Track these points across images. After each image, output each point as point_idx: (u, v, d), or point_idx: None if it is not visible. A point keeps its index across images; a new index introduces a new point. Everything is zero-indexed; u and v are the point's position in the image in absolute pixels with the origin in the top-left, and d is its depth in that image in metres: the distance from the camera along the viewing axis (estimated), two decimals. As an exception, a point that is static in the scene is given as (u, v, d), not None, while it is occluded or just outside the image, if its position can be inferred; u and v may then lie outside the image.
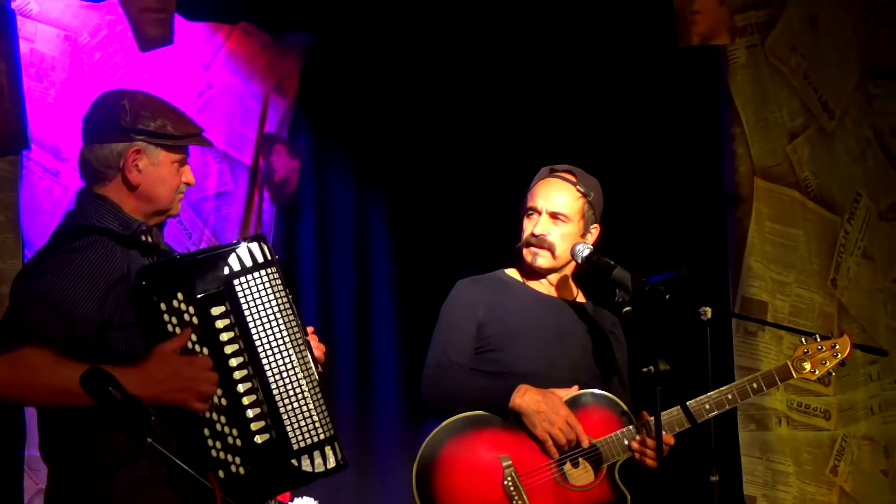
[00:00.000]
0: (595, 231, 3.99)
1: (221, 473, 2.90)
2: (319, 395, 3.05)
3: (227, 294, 2.98)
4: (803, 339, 4.05)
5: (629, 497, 3.79)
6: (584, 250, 3.89)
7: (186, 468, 2.57)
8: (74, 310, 2.89)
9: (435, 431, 3.78)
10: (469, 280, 4.02)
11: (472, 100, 5.45)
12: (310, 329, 3.20)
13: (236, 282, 2.99)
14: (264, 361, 2.98)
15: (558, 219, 3.92)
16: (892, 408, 5.50)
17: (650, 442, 3.77)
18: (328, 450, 3.03)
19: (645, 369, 3.57)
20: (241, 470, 2.92)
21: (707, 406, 3.86)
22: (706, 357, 3.86)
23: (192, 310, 2.94)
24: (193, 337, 2.93)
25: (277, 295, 3.03)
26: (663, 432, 3.69)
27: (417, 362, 3.96)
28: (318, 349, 3.21)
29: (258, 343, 2.98)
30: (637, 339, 3.68)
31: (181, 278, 2.96)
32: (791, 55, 5.45)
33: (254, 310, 2.99)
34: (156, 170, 3.11)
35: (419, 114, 5.47)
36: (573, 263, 3.98)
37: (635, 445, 3.80)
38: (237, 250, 3.02)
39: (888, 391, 5.50)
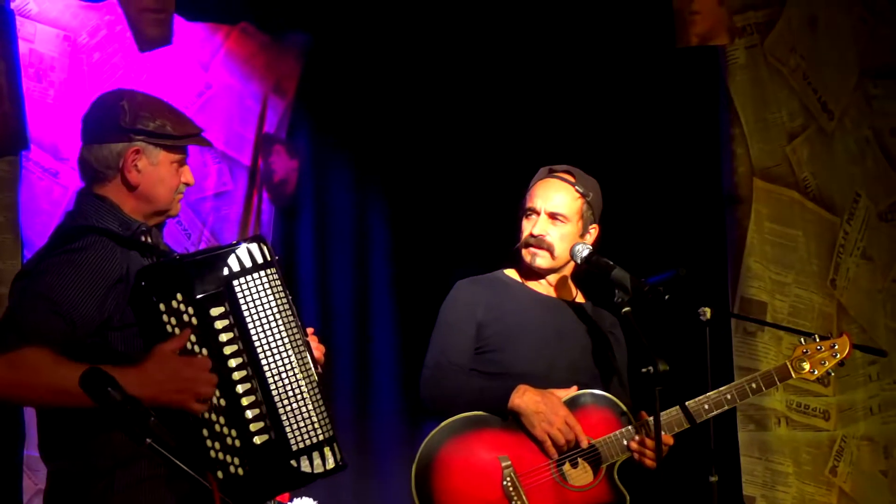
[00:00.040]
0: (594, 231, 3.99)
1: (220, 474, 2.90)
2: (318, 396, 3.05)
3: (226, 295, 2.98)
4: (802, 340, 4.05)
5: (628, 497, 3.79)
6: (584, 251, 3.90)
7: (185, 469, 2.57)
8: (74, 310, 2.89)
9: (434, 432, 3.78)
10: (468, 280, 4.02)
11: (471, 100, 5.45)
12: (309, 330, 3.20)
13: (236, 282, 2.99)
14: (263, 362, 2.98)
15: (557, 219, 3.92)
16: (891, 408, 5.50)
17: (649, 442, 3.77)
18: (327, 450, 3.03)
19: (644, 370, 3.57)
20: (240, 471, 2.92)
21: (706, 406, 3.86)
22: (705, 357, 3.86)
23: (191, 310, 2.94)
24: (192, 337, 2.94)
25: (277, 296, 3.03)
26: (662, 432, 3.69)
27: (416, 363, 3.96)
28: (318, 350, 3.21)
29: (257, 344, 2.98)
30: (636, 339, 3.68)
31: (180, 279, 2.96)
32: (790, 56, 5.45)
33: (253, 310, 2.99)
34: (155, 170, 3.11)
35: (419, 114, 5.47)
36: (572, 264, 3.98)
37: (634, 446, 3.80)
38: (237, 251, 3.02)
39: (887, 391, 5.50)
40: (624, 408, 3.86)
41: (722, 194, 5.37)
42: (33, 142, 4.57)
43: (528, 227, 3.94)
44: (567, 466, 3.79)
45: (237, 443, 2.93)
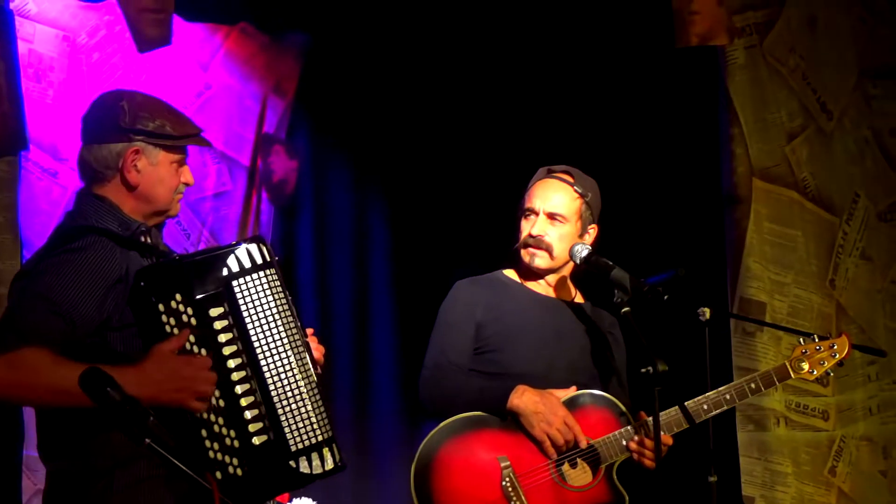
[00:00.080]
0: (593, 231, 4.00)
1: (219, 474, 2.90)
2: (318, 397, 3.05)
3: (225, 295, 2.98)
4: (801, 340, 4.05)
5: (627, 497, 3.79)
6: (583, 251, 3.90)
7: (185, 469, 2.57)
8: (73, 310, 2.89)
9: (433, 432, 3.78)
10: (467, 281, 4.02)
11: (470, 100, 5.45)
12: (309, 330, 3.20)
13: (235, 283, 2.99)
14: (263, 363, 2.98)
15: (556, 219, 3.92)
16: (890, 408, 5.50)
17: (648, 442, 3.77)
18: (326, 451, 3.03)
19: (643, 370, 3.57)
20: (239, 471, 2.92)
21: (705, 406, 3.86)
22: (704, 357, 3.86)
23: (190, 311, 2.94)
24: (192, 338, 2.94)
25: (276, 296, 3.03)
26: (662, 432, 3.69)
27: (416, 363, 3.96)
28: (318, 350, 3.21)
29: (256, 344, 2.98)
30: (636, 339, 3.68)
31: (180, 279, 2.96)
32: (790, 56, 5.45)
33: (252, 311, 2.99)
34: (154, 170, 3.11)
35: (418, 115, 5.47)
36: (571, 264, 3.98)
37: (633, 446, 3.80)
38: (236, 251, 3.02)
39: (887, 392, 5.50)
40: (623, 408, 3.86)
41: (721, 194, 5.37)
42: (32, 142, 4.57)
43: (527, 227, 3.94)
44: (566, 467, 3.79)
45: (236, 443, 2.93)
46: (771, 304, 5.33)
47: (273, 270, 3.05)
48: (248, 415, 2.95)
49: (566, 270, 4.02)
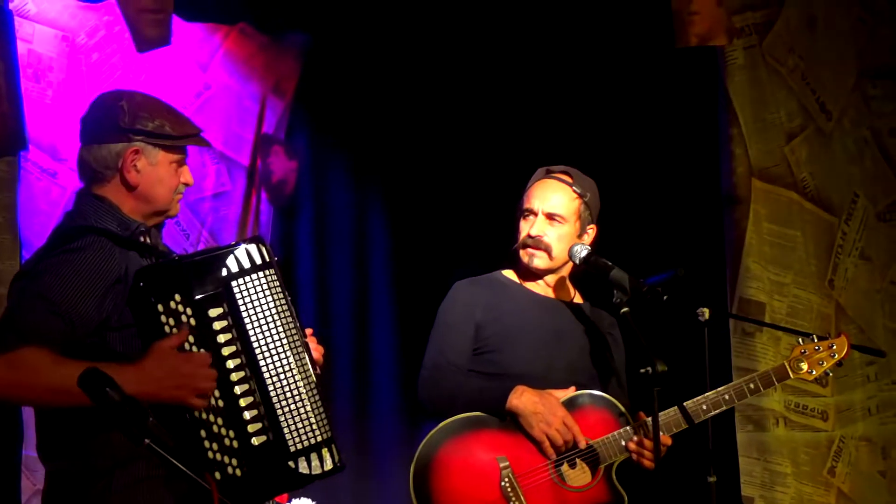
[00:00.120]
0: (592, 232, 3.99)
1: (218, 475, 2.90)
2: (317, 397, 3.05)
3: (224, 296, 2.98)
4: (800, 340, 4.05)
5: (626, 498, 3.79)
6: (582, 251, 3.90)
7: (184, 469, 2.57)
8: (73, 310, 2.89)
9: (432, 433, 3.78)
10: (466, 281, 4.02)
11: (470, 101, 5.46)
12: (308, 331, 3.20)
13: (234, 283, 2.99)
14: (262, 363, 2.98)
15: (555, 220, 3.92)
16: (889, 409, 5.50)
17: (647, 443, 3.77)
18: (325, 452, 3.03)
19: (643, 370, 3.57)
20: (238, 471, 2.92)
21: (704, 406, 3.86)
22: (704, 358, 3.86)
23: (189, 311, 2.94)
24: (191, 338, 2.94)
25: (275, 297, 3.03)
26: (661, 433, 3.69)
27: (415, 364, 3.96)
28: (317, 351, 3.21)
29: (256, 345, 2.98)
30: (635, 339, 3.68)
31: (179, 280, 2.96)
32: (789, 56, 5.45)
33: (252, 311, 2.99)
34: (154, 170, 3.11)
35: (417, 115, 5.47)
36: (570, 264, 3.98)
37: (633, 446, 3.80)
38: (235, 252, 3.02)
39: (886, 392, 5.50)
40: (622, 408, 3.86)
41: (720, 194, 5.37)
42: (32, 142, 4.57)
43: (526, 227, 3.94)
44: (565, 467, 3.79)
45: (235, 444, 2.93)
46: (770, 304, 5.34)
47: (272, 271, 3.05)
48: (247, 415, 2.95)
49: (565, 271, 4.01)
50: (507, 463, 3.74)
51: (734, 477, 5.21)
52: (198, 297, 2.95)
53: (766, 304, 5.33)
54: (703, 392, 3.88)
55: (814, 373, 4.00)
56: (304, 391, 3.02)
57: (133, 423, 2.57)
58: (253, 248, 3.04)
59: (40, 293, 2.90)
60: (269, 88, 5.37)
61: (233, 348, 2.96)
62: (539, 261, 3.93)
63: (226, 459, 2.92)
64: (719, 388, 3.90)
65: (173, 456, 2.57)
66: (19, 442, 4.41)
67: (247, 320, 2.98)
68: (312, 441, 3.00)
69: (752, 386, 3.92)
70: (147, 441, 2.56)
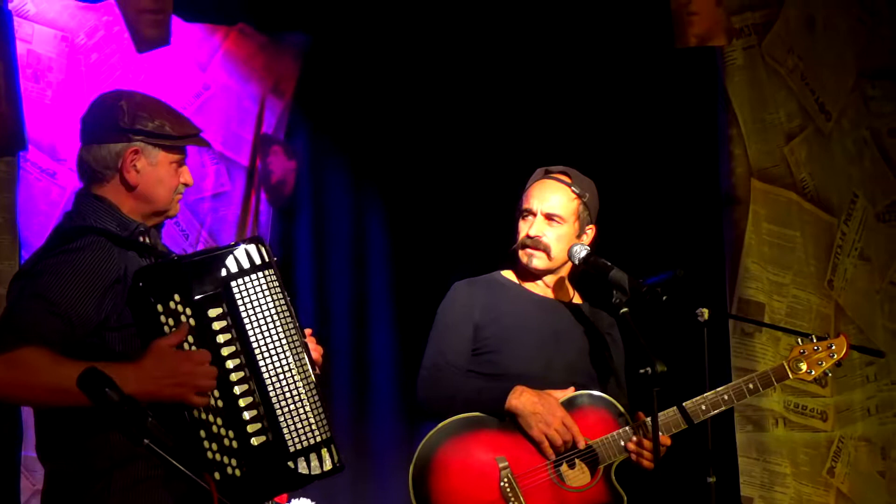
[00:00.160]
0: (591, 232, 4.00)
1: (217, 475, 2.89)
2: (316, 398, 3.04)
3: (224, 296, 2.98)
4: (799, 340, 4.05)
5: (626, 498, 3.79)
6: (582, 251, 3.90)
7: (183, 469, 2.57)
8: (72, 310, 2.89)
9: (431, 433, 3.78)
10: (465, 282, 4.02)
11: (469, 101, 5.46)
12: (307, 331, 3.20)
13: (234, 284, 2.99)
14: (261, 363, 2.98)
15: (553, 220, 3.92)
16: (889, 409, 5.50)
17: (647, 443, 3.77)
18: (325, 452, 3.02)
19: (642, 370, 3.57)
20: (238, 472, 2.92)
21: (703, 407, 3.87)
22: (703, 358, 3.86)
23: (189, 311, 2.94)
24: (190, 338, 2.93)
25: (275, 297, 3.03)
26: (660, 433, 3.69)
27: (414, 364, 3.96)
28: (316, 351, 3.21)
29: (255, 345, 2.98)
30: (634, 340, 3.68)
31: (178, 280, 2.96)
32: (788, 56, 5.45)
33: (251, 312, 2.99)
34: (154, 170, 3.11)
35: (416, 115, 5.47)
36: (569, 265, 3.98)
37: (632, 447, 3.80)
38: (235, 252, 3.02)
39: (885, 392, 5.50)
40: (621, 408, 3.86)
41: (720, 195, 5.37)
42: (31, 142, 4.57)
43: (525, 228, 3.94)
44: (564, 467, 3.79)
45: (235, 444, 2.93)
46: (769, 304, 5.34)
47: (272, 271, 3.05)
48: (246, 415, 2.95)
49: (564, 271, 4.02)
50: (507, 463, 3.74)
51: (733, 477, 5.21)
52: (197, 297, 2.94)
53: (765, 304, 5.32)
54: (703, 392, 3.88)
55: (813, 373, 4.01)
56: (304, 391, 3.02)
57: (132, 423, 2.57)
58: (252, 248, 3.04)
59: (39, 293, 2.89)
60: (269, 89, 5.37)
61: (232, 348, 2.96)
62: (538, 261, 3.93)
63: (225, 459, 2.92)
64: (718, 389, 3.90)
65: (172, 456, 2.57)
66: (19, 442, 4.41)
67: (246, 320, 2.98)
68: (312, 441, 3.00)
69: (751, 386, 3.92)
70: (146, 441, 2.56)
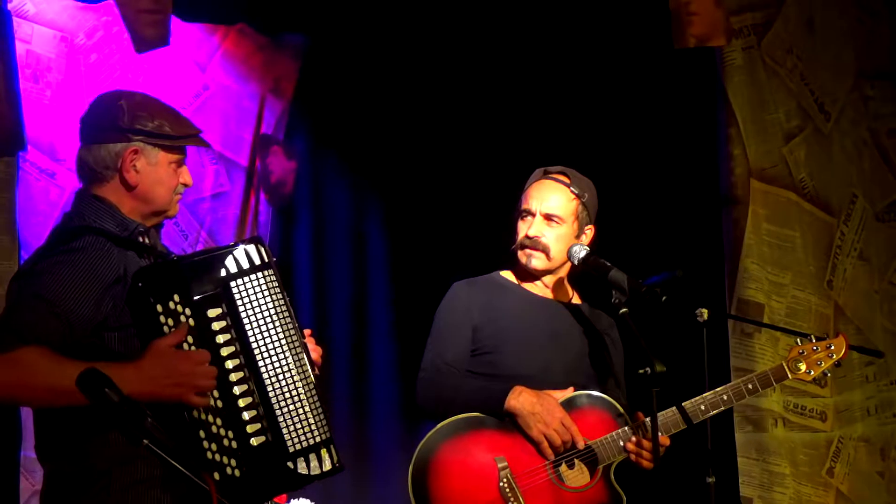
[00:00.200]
0: (590, 232, 4.00)
1: (217, 475, 2.90)
2: (316, 398, 3.04)
3: (223, 296, 2.98)
4: (798, 340, 4.05)
5: (625, 498, 3.79)
6: (581, 252, 3.90)
7: (182, 469, 2.57)
8: (71, 310, 2.89)
9: (431, 433, 3.78)
10: (464, 282, 4.02)
11: (468, 101, 5.46)
12: (307, 332, 3.20)
13: (233, 284, 2.99)
14: (261, 364, 2.98)
15: (552, 220, 3.92)
16: (888, 409, 5.50)
17: (646, 443, 3.77)
18: (324, 452, 3.02)
19: (641, 371, 3.57)
20: (237, 472, 2.92)
21: (703, 407, 3.87)
22: (702, 358, 3.86)
23: (188, 311, 2.94)
24: (189, 339, 2.94)
25: (274, 297, 3.03)
26: (659, 433, 3.69)
27: (413, 364, 3.96)
28: (315, 351, 3.21)
29: (255, 345, 2.98)
30: (633, 340, 3.68)
31: (178, 280, 2.96)
32: (787, 57, 5.45)
33: (250, 312, 2.99)
34: (153, 170, 3.10)
35: (416, 116, 5.47)
36: (568, 265, 3.98)
37: (631, 447, 3.80)
38: (234, 252, 3.02)
39: (884, 392, 5.50)
40: (621, 409, 3.86)
41: (719, 195, 5.37)
42: (30, 143, 4.57)
43: (524, 228, 3.94)
44: (564, 467, 3.79)
45: (234, 444, 2.93)
46: (769, 304, 5.34)
47: (271, 271, 3.05)
48: (245, 416, 2.95)
49: (563, 271, 4.02)
50: (506, 463, 3.74)
51: (733, 477, 5.21)
52: (196, 297, 2.95)
53: (764, 304, 5.33)
54: (702, 392, 3.88)
55: (812, 373, 4.01)
56: (303, 392, 3.02)
57: (131, 423, 2.57)
58: (252, 248, 3.04)
59: (39, 293, 2.89)
60: (268, 89, 5.37)
61: (232, 349, 2.96)
62: (537, 261, 3.93)
63: (224, 460, 2.92)
64: (718, 389, 3.90)
65: (172, 456, 2.57)
66: (18, 443, 4.41)
67: (245, 321, 2.98)
68: (311, 442, 3.00)
69: (750, 386, 3.92)
70: (145, 441, 2.56)
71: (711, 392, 3.88)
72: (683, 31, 4.94)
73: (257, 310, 3.00)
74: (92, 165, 3.09)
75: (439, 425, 3.78)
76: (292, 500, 4.44)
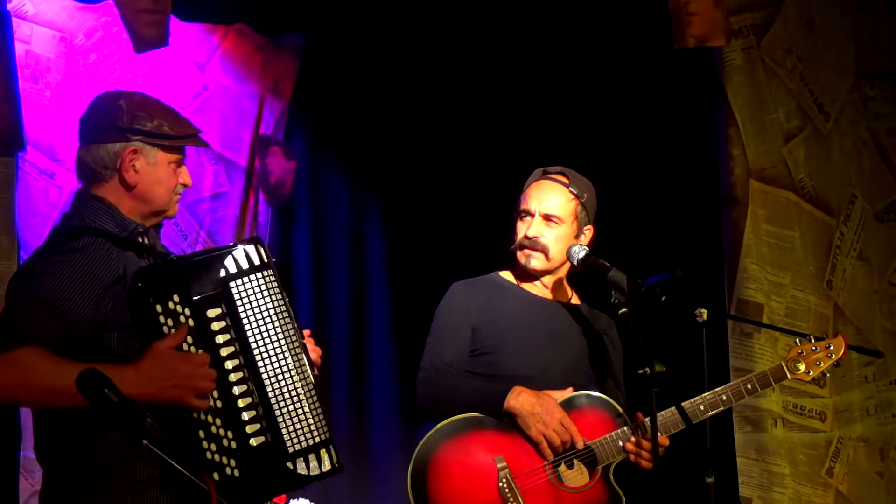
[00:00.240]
0: (589, 232, 3.99)
1: (216, 476, 2.90)
2: (315, 398, 3.04)
3: (223, 296, 2.98)
4: (798, 341, 4.05)
5: (624, 498, 3.79)
6: (581, 252, 3.90)
7: (182, 470, 2.57)
8: (70, 311, 2.89)
9: (430, 434, 3.78)
10: (463, 283, 4.02)
11: (468, 101, 5.46)
12: (306, 332, 3.20)
13: (232, 284, 2.99)
14: (260, 364, 2.98)
15: (551, 221, 3.92)
16: (887, 409, 5.50)
17: (645, 443, 3.77)
18: (323, 453, 3.02)
19: (641, 371, 3.57)
20: (237, 472, 2.92)
21: (702, 407, 3.87)
22: (702, 359, 3.86)
23: (188, 312, 2.94)
24: (189, 339, 2.93)
25: (274, 297, 3.03)
26: (658, 433, 3.69)
27: (413, 365, 3.96)
28: (315, 352, 3.21)
29: (254, 346, 2.98)
30: (633, 340, 3.68)
31: (177, 280, 2.96)
32: (787, 57, 5.45)
33: (250, 312, 2.99)
34: (153, 170, 3.10)
35: (415, 116, 5.47)
36: (567, 265, 3.98)
37: (630, 447, 3.80)
38: (234, 252, 3.02)
39: (884, 392, 5.50)
40: (620, 409, 3.86)
41: (718, 196, 5.37)
42: (30, 143, 4.57)
43: (523, 228, 3.94)
44: (563, 468, 3.79)
45: (233, 444, 2.93)
46: (768, 305, 5.34)
47: (270, 271, 3.05)
48: (245, 416, 2.95)
49: (562, 272, 4.02)
50: (505, 464, 3.74)
51: (732, 477, 5.21)
52: (196, 297, 2.95)
53: (764, 304, 5.33)
54: (701, 393, 3.88)
55: (811, 373, 4.01)
56: (303, 392, 3.02)
57: (131, 423, 2.57)
58: (251, 248, 3.04)
59: (38, 294, 2.89)
60: (267, 89, 5.37)
61: (231, 349, 2.96)
62: (536, 262, 3.93)
63: (224, 460, 2.92)
64: (717, 389, 3.90)
65: (171, 456, 2.57)
66: (17, 443, 4.41)
67: (245, 321, 2.98)
68: (311, 442, 3.00)
69: (749, 386, 3.93)
70: (145, 441, 2.56)
71: (711, 392, 3.89)
72: (683, 31, 4.94)
73: (257, 310, 3.00)
74: (91, 165, 3.09)
75: (439, 425, 3.78)
76: (291, 501, 4.44)
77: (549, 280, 4.01)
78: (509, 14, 5.37)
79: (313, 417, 3.02)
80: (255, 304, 2.99)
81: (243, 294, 2.99)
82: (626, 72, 5.42)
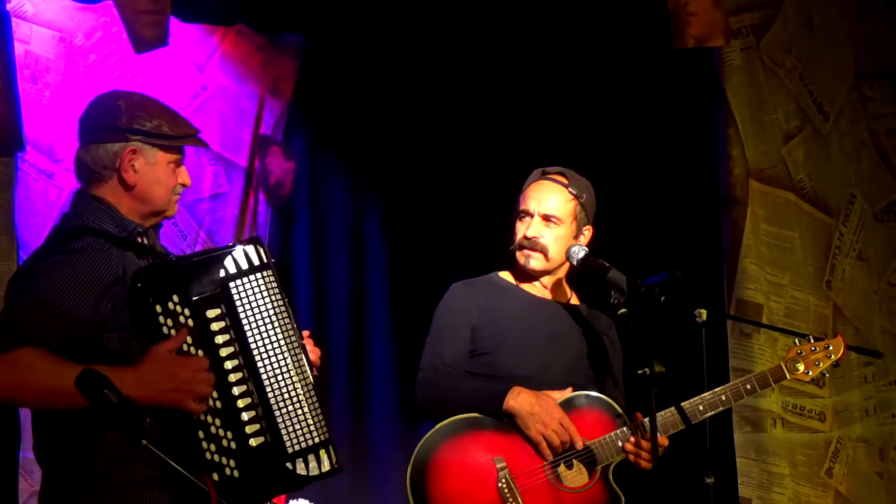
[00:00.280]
0: (588, 232, 3.99)
1: (216, 476, 2.90)
2: (314, 399, 3.05)
3: (222, 297, 2.98)
4: (797, 341, 4.05)
5: (623, 499, 3.79)
6: (580, 252, 3.90)
7: (181, 470, 2.57)
8: (70, 311, 2.89)
9: (429, 434, 3.78)
10: (463, 283, 4.02)
11: (467, 102, 5.46)
12: (305, 333, 3.20)
13: (232, 284, 2.99)
14: (259, 364, 2.98)
15: (551, 221, 3.92)
16: (886, 410, 5.50)
17: (644, 443, 3.77)
18: (323, 453, 3.03)
19: (640, 371, 3.57)
20: (236, 473, 2.92)
21: (701, 407, 3.87)
22: (701, 359, 3.86)
23: (187, 312, 2.94)
24: (189, 339, 2.94)
25: (273, 298, 3.03)
26: (658, 433, 3.69)
27: (412, 365, 3.96)
28: (314, 352, 3.21)
29: (253, 346, 2.98)
30: (632, 340, 3.68)
31: (177, 280, 2.96)
32: (786, 57, 5.45)
33: (249, 313, 2.99)
34: (152, 170, 3.10)
35: (414, 116, 5.47)
36: (567, 265, 3.98)
37: (629, 447, 3.80)
38: (233, 253, 3.02)
39: (883, 393, 5.50)
40: (619, 409, 3.86)
41: (718, 196, 5.38)
42: (29, 143, 4.57)
43: (522, 229, 3.94)
44: (562, 468, 3.79)
45: (233, 445, 2.93)
46: (768, 305, 5.34)
47: (270, 272, 3.05)
48: (244, 416, 2.95)
49: (562, 272, 4.02)
50: (504, 464, 3.74)
51: (732, 478, 5.21)
52: (195, 297, 2.95)
53: (763, 305, 5.33)
54: (701, 393, 3.88)
55: (810, 373, 4.01)
56: (302, 392, 3.02)
57: (130, 424, 2.57)
58: (251, 249, 3.04)
59: (37, 294, 2.89)
60: (267, 89, 5.37)
61: (231, 349, 2.96)
62: (535, 262, 3.93)
63: (223, 460, 2.92)
64: (716, 389, 3.90)
65: (171, 457, 2.57)
66: (17, 443, 4.41)
67: (245, 321, 2.98)
68: (310, 442, 3.00)
69: (748, 387, 3.93)
70: (144, 442, 2.56)
71: (710, 392, 3.89)
72: (682, 31, 4.94)
73: (256, 310, 3.00)
74: (90, 165, 3.09)
75: (438, 425, 3.78)
76: (291, 501, 4.44)
77: (548, 280, 4.01)
78: (509, 14, 5.37)
79: (313, 418, 3.02)
80: (254, 304, 3.00)
81: (243, 294, 2.99)
82: (626, 72, 5.42)
